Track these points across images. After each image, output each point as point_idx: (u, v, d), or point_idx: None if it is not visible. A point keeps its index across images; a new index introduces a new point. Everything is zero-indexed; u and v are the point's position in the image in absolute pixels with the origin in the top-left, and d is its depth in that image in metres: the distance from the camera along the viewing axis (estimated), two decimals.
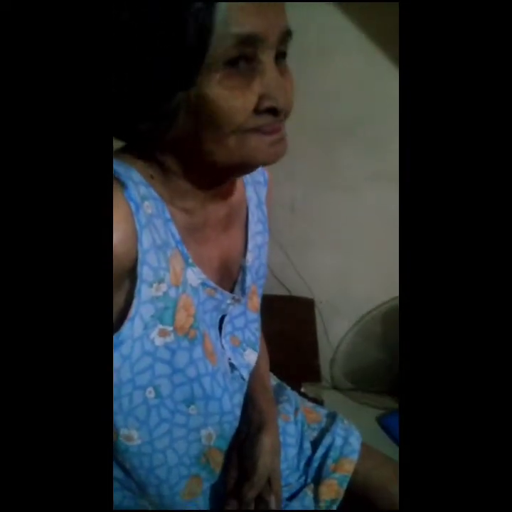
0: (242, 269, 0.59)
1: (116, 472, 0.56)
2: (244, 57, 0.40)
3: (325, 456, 0.68)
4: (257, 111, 0.42)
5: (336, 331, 1.49)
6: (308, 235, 1.41)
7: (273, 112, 0.42)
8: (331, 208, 1.38)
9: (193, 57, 0.38)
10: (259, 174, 0.65)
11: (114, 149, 0.50)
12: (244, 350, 0.62)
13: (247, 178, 0.62)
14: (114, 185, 0.43)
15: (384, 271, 1.33)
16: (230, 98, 0.40)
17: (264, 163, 0.46)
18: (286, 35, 0.42)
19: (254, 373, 0.66)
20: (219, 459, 0.59)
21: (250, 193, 0.62)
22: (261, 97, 0.41)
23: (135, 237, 0.43)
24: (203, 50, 0.38)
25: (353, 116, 1.27)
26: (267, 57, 0.41)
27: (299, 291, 1.44)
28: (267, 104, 0.41)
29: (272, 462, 0.58)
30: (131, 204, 0.43)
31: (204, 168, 0.46)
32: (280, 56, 0.43)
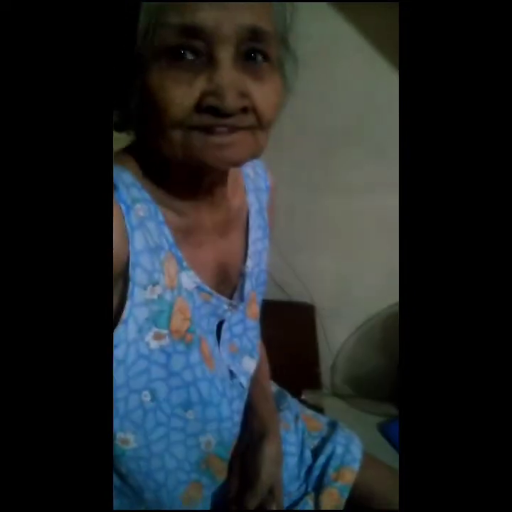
0: (242, 275, 0.59)
1: (114, 478, 0.55)
2: (190, 50, 0.38)
3: (326, 464, 0.67)
4: (199, 109, 0.39)
5: (337, 337, 1.48)
6: (308, 240, 1.41)
7: (216, 112, 0.39)
8: (331, 213, 1.38)
9: (128, 44, 0.38)
10: (261, 180, 0.65)
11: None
12: (242, 357, 0.61)
13: (249, 184, 0.62)
14: None
15: (384, 276, 1.32)
16: (169, 90, 0.38)
17: (212, 166, 0.42)
18: (257, 33, 0.39)
19: (255, 381, 0.65)
20: (219, 465, 0.58)
21: (251, 199, 0.61)
22: (205, 94, 0.39)
23: (126, 239, 0.43)
24: (133, 36, 0.38)
25: (353, 121, 1.27)
26: (221, 53, 0.38)
27: (299, 296, 1.43)
28: (209, 102, 0.39)
29: (274, 471, 0.57)
30: (122, 206, 0.43)
31: (168, 166, 0.44)
32: (252, 57, 0.40)
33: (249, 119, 0.41)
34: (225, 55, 0.38)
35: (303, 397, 0.99)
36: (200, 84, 0.39)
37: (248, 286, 0.59)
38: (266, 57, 0.41)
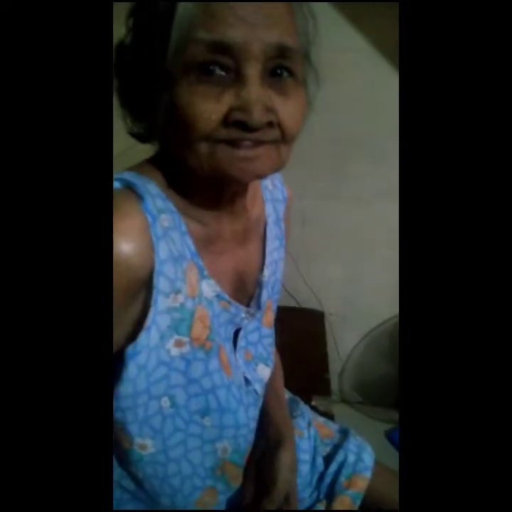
0: (259, 284, 0.59)
1: (128, 484, 0.56)
2: (219, 65, 0.39)
3: (338, 472, 0.68)
4: (226, 123, 0.40)
5: (346, 344, 1.49)
6: (318, 247, 1.41)
7: (243, 126, 0.40)
8: (342, 220, 1.39)
9: (158, 59, 0.39)
10: (279, 191, 0.66)
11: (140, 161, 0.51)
12: (257, 365, 0.61)
13: (267, 195, 0.63)
14: (131, 198, 0.43)
15: (394, 284, 1.32)
16: (197, 104, 0.39)
17: (237, 178, 0.43)
18: (284, 50, 0.40)
19: (270, 388, 0.65)
20: (234, 472, 0.58)
21: (269, 210, 0.62)
22: (232, 109, 0.40)
23: (151, 249, 0.43)
24: (164, 51, 0.39)
25: (363, 130, 1.28)
26: (248, 70, 0.39)
27: (309, 303, 1.44)
28: (236, 116, 0.40)
29: (290, 478, 0.58)
30: (148, 216, 0.43)
31: (192, 177, 0.45)
32: (279, 71, 0.41)
33: (273, 134, 0.42)
34: (253, 71, 0.39)
35: (313, 403, 1.00)
36: (227, 100, 0.40)
37: (265, 295, 0.60)
38: (291, 73, 0.42)
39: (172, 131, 0.42)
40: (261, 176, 0.45)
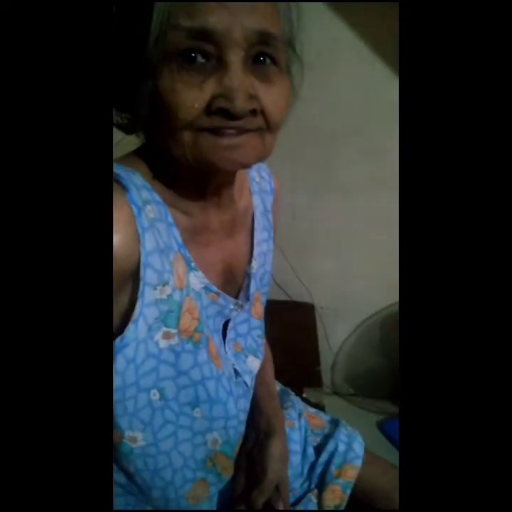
0: (247, 275, 0.60)
1: (119, 477, 0.56)
2: (200, 53, 0.39)
3: (328, 462, 0.68)
4: (209, 111, 0.40)
5: (337, 336, 1.49)
6: (308, 240, 1.42)
7: (226, 114, 0.40)
8: (332, 213, 1.39)
9: (140, 47, 0.39)
10: (266, 183, 0.65)
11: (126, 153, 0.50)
12: (246, 356, 0.62)
13: (254, 186, 0.62)
14: (115, 189, 0.43)
15: (384, 275, 1.33)
16: (179, 92, 0.39)
17: (221, 167, 0.43)
18: (266, 37, 0.40)
19: (260, 379, 0.66)
20: (225, 463, 0.59)
21: (257, 202, 0.62)
22: (215, 97, 0.39)
23: (137, 240, 0.43)
24: (145, 38, 0.38)
25: (352, 122, 1.29)
26: (231, 57, 0.39)
27: (300, 296, 1.44)
28: (219, 104, 0.39)
29: (280, 469, 0.58)
30: (133, 207, 0.43)
31: (177, 167, 0.45)
32: (260, 60, 0.41)
33: (257, 122, 0.42)
34: (235, 58, 0.39)
35: (304, 395, 1.00)
36: (210, 87, 0.39)
37: (253, 286, 0.60)
38: (274, 61, 0.42)
39: (155, 121, 0.42)
40: (245, 165, 0.44)
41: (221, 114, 0.40)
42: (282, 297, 1.44)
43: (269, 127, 0.43)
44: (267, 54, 0.41)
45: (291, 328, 1.27)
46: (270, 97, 0.42)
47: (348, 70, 1.23)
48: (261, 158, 0.45)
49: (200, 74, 0.39)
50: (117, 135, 0.49)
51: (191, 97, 0.39)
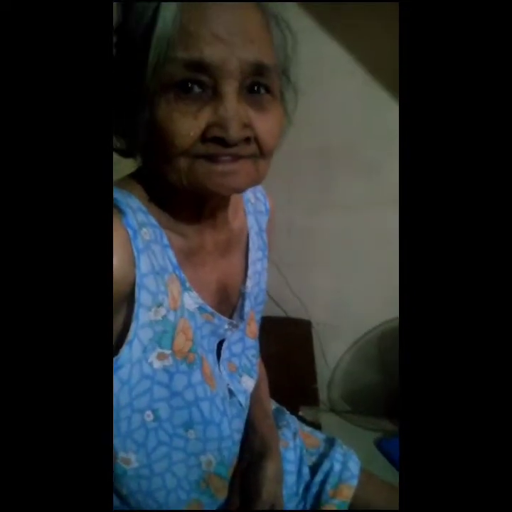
0: (242, 295, 0.60)
1: (113, 499, 0.55)
2: (196, 83, 0.40)
3: (324, 481, 0.68)
4: (204, 138, 0.41)
5: (333, 353, 1.49)
6: (305, 256, 1.42)
7: (221, 141, 0.41)
8: (328, 229, 1.40)
9: (137, 78, 0.40)
10: (261, 204, 0.67)
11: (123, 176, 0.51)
12: (241, 376, 0.62)
13: (249, 207, 0.64)
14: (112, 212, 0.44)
15: (380, 292, 1.34)
16: (176, 121, 0.40)
17: (215, 192, 0.44)
18: (261, 68, 0.41)
19: (255, 399, 0.66)
20: (219, 484, 0.58)
21: (251, 222, 0.63)
22: (210, 126, 0.41)
23: (132, 263, 0.44)
24: (143, 70, 0.39)
25: (350, 140, 1.30)
26: (226, 87, 0.40)
27: (296, 312, 1.44)
28: (214, 133, 0.41)
29: (275, 489, 0.58)
30: (129, 230, 0.44)
31: (172, 191, 0.46)
32: (257, 88, 0.42)
33: (251, 149, 0.43)
34: (230, 89, 0.40)
35: (300, 413, 1.00)
36: (205, 116, 0.41)
37: (247, 305, 0.60)
38: (268, 90, 0.43)
39: (152, 147, 0.43)
40: (239, 190, 0.45)
41: (216, 141, 0.41)
42: (279, 314, 1.44)
43: (262, 154, 0.44)
44: (261, 84, 0.42)
45: (287, 345, 1.27)
46: (264, 125, 0.43)
47: (345, 90, 1.25)
48: (254, 183, 0.46)
49: (195, 103, 0.41)
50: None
51: (187, 125, 0.40)
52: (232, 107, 0.40)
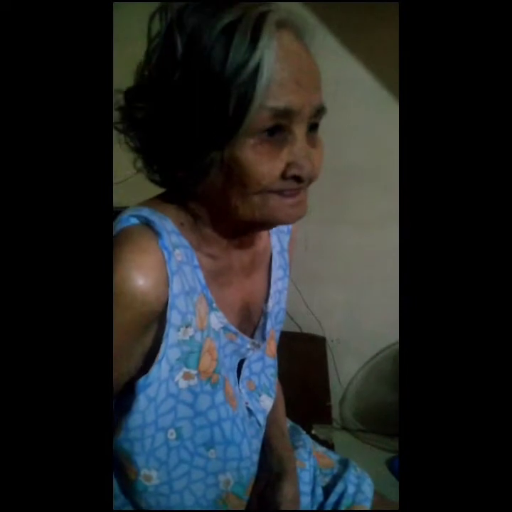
0: (264, 314, 0.61)
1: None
2: (278, 128, 0.43)
3: (337, 503, 0.67)
4: (283, 177, 0.45)
5: (347, 370, 1.48)
6: (320, 271, 1.43)
7: (297, 179, 0.45)
8: (344, 245, 1.40)
9: (230, 124, 0.41)
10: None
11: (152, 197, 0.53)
12: (260, 395, 0.62)
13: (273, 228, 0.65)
14: (149, 235, 0.46)
15: (396, 310, 1.33)
16: (260, 163, 0.43)
17: (283, 223, 0.49)
18: (320, 110, 0.46)
19: (272, 419, 0.66)
20: (235, 503, 0.59)
21: (274, 241, 0.64)
22: (288, 165, 0.44)
23: (166, 284, 0.45)
24: (241, 119, 0.41)
25: (366, 160, 1.31)
26: (298, 129, 0.44)
27: (310, 328, 1.44)
28: (293, 172, 0.45)
29: (292, 510, 0.58)
30: (164, 252, 0.45)
31: (229, 220, 0.49)
32: (312, 128, 0.47)
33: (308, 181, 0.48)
34: (301, 130, 0.45)
35: (313, 432, 1.00)
36: (285, 157, 0.44)
37: (269, 324, 0.61)
38: (317, 126, 0.47)
39: (225, 185, 0.45)
40: (301, 217, 0.49)
41: (292, 178, 0.45)
42: (293, 329, 1.44)
43: (310, 182, 0.48)
44: (317, 123, 0.47)
45: (301, 361, 1.27)
46: (317, 159, 0.47)
47: (363, 109, 1.27)
48: (307, 208, 0.50)
49: (277, 146, 0.44)
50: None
51: (273, 167, 0.44)
52: (303, 146, 0.45)
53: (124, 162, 0.49)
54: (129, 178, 0.58)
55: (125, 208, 0.50)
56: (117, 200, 0.52)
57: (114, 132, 0.47)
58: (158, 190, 0.54)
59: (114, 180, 0.43)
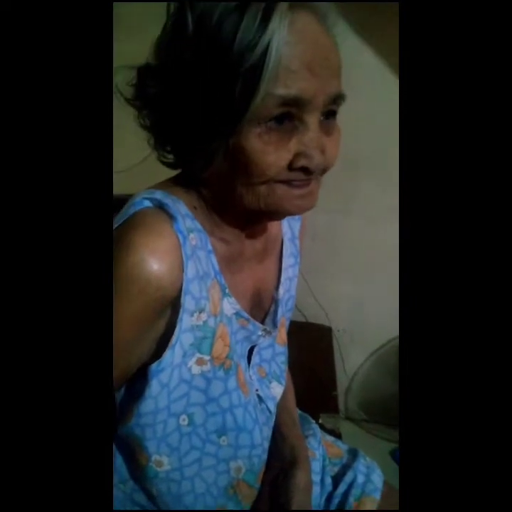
0: (275, 301, 0.60)
1: (140, 497, 0.56)
2: (287, 116, 0.41)
3: (346, 493, 0.67)
4: (290, 167, 0.43)
5: (353, 361, 1.48)
6: (328, 262, 1.42)
7: (305, 170, 0.43)
8: (352, 237, 1.39)
9: (236, 112, 0.40)
10: None
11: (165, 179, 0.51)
12: (270, 382, 0.62)
13: None
14: (163, 218, 0.44)
15: None
16: (265, 153, 0.41)
17: (291, 214, 0.47)
18: (337, 98, 0.43)
19: (282, 406, 0.66)
20: (247, 491, 0.58)
21: (285, 228, 0.63)
22: (296, 155, 0.42)
23: (181, 268, 0.44)
24: (246, 106, 0.39)
25: (376, 149, 1.29)
26: (310, 118, 0.42)
27: (316, 318, 1.44)
28: (301, 163, 0.42)
29: (304, 499, 0.58)
30: (179, 236, 0.44)
31: (236, 208, 0.47)
32: (329, 115, 0.44)
33: (321, 171, 0.45)
34: (313, 119, 0.42)
35: (320, 421, 0.99)
36: (292, 147, 0.42)
37: (279, 312, 0.61)
38: (335, 114, 0.45)
39: (231, 173, 0.44)
40: (311, 208, 0.47)
41: (300, 169, 0.43)
42: (299, 319, 1.44)
43: (324, 172, 0.46)
44: (334, 111, 0.45)
45: (307, 351, 1.26)
46: (332, 148, 0.45)
47: (373, 100, 1.25)
48: (317, 199, 0.48)
49: (285, 135, 0.42)
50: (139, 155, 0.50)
51: (280, 156, 0.42)
52: (315, 136, 0.42)
53: (127, 151, 0.48)
54: (134, 167, 0.57)
55: (130, 195, 0.48)
56: (121, 188, 0.51)
57: (126, 111, 0.46)
58: (162, 178, 0.52)
59: (118, 169, 0.42)
